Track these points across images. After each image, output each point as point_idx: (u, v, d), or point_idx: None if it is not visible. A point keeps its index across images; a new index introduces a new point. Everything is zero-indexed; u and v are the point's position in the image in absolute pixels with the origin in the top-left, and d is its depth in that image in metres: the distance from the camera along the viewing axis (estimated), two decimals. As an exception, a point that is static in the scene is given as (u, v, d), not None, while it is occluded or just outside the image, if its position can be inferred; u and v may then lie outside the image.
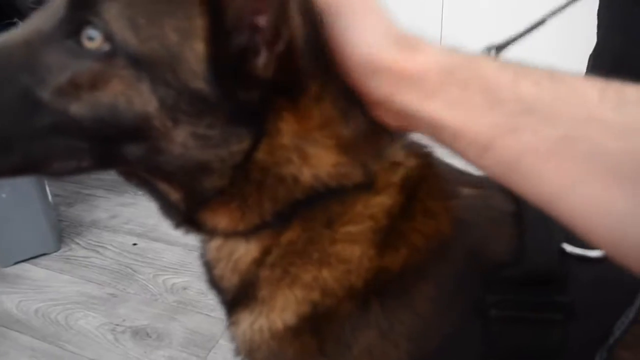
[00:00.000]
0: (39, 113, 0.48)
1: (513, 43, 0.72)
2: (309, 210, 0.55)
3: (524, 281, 0.55)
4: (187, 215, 0.57)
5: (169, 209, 0.59)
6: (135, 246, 1.96)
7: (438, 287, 0.55)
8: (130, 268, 1.85)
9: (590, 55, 1.77)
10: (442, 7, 3.18)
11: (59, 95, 0.48)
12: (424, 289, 0.55)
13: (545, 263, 0.55)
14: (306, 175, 0.53)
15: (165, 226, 2.15)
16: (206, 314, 1.64)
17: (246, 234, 0.57)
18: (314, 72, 0.52)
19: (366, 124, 0.55)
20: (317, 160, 0.53)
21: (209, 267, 0.63)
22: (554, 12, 0.76)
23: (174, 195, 0.56)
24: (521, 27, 0.74)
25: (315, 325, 0.57)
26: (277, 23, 0.47)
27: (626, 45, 1.65)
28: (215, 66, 0.49)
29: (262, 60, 0.49)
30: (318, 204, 0.55)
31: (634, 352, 0.54)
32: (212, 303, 1.66)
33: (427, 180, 0.59)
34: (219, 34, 0.48)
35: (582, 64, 1.79)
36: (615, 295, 0.55)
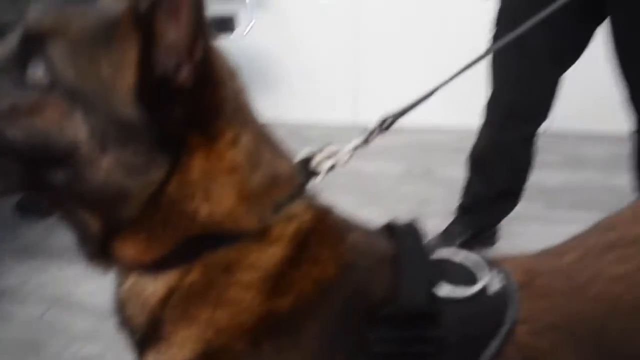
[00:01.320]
0: None
1: (403, 114, 0.80)
2: (210, 255, 0.61)
3: (402, 319, 0.61)
4: (102, 245, 0.62)
5: (86, 239, 0.63)
6: (45, 315, 1.88)
7: (324, 327, 0.60)
8: (39, 339, 1.77)
9: (486, 106, 1.92)
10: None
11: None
12: (312, 329, 0.60)
13: (421, 302, 0.61)
14: (204, 213, 0.59)
15: (77, 293, 2.08)
16: (122, 382, 1.58)
17: (152, 268, 0.62)
18: (231, 118, 0.60)
19: (272, 177, 0.63)
20: (217, 202, 0.60)
21: (120, 307, 0.66)
22: (442, 85, 0.85)
23: (94, 225, 0.61)
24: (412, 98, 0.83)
25: None
26: (194, 34, 0.55)
27: (514, 96, 1.82)
28: (143, 91, 0.56)
29: (184, 73, 0.56)
30: (218, 250, 0.61)
31: None
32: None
33: (318, 230, 0.65)
34: (147, 63, 0.57)
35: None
36: (482, 330, 0.62)
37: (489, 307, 0.63)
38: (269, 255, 0.62)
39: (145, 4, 0.56)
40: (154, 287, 0.63)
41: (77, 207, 0.61)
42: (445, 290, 0.63)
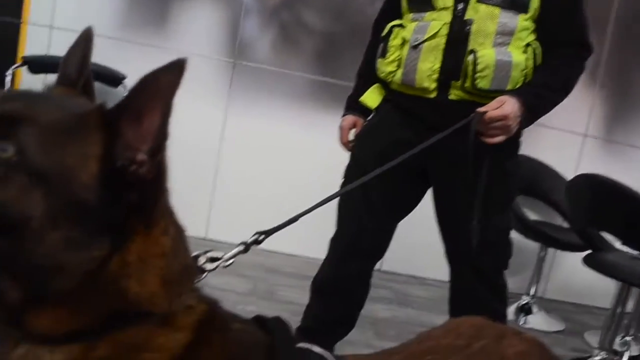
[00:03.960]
0: None
1: (276, 231, 0.97)
2: (119, 333, 0.65)
3: None
4: (14, 313, 0.63)
5: None
6: None
7: None
8: None
9: (331, 240, 2.14)
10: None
11: None
12: None
13: None
14: (134, 292, 0.65)
15: None
16: None
17: (58, 339, 0.64)
18: (164, 210, 0.69)
19: (185, 267, 0.72)
20: (145, 283, 0.66)
21: None
22: (305, 213, 1.05)
23: (13, 294, 0.62)
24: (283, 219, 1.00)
25: None
26: (161, 140, 0.63)
27: (355, 236, 2.08)
28: (104, 179, 0.62)
29: (145, 167, 0.63)
30: (127, 329, 0.66)
31: None
32: None
33: (211, 320, 0.74)
34: (110, 157, 0.63)
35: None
36: None
37: None
38: (176, 340, 0.68)
39: (112, 107, 0.64)
40: (51, 358, 0.64)
41: (1, 274, 0.61)
42: None
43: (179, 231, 0.73)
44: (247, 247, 0.91)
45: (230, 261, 0.86)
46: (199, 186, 3.55)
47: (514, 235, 2.01)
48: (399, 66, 1.86)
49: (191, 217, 2.83)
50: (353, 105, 2.09)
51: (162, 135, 0.64)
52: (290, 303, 2.49)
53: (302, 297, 2.21)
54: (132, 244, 0.65)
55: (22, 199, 0.59)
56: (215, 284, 2.84)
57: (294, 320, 2.18)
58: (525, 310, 3.35)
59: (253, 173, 3.54)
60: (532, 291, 3.42)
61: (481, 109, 1.72)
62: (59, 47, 3.08)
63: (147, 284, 0.66)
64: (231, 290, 2.87)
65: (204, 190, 3.58)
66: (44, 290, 0.63)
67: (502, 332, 0.99)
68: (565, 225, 3.37)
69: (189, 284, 0.74)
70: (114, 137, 0.63)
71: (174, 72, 0.61)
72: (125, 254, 0.65)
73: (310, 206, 1.07)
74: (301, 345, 0.81)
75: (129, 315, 0.66)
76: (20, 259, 0.61)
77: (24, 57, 3.08)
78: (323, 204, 1.09)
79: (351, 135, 2.08)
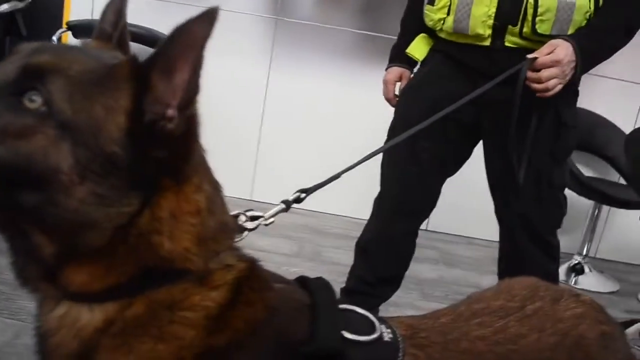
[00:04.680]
0: None
1: (317, 189, 0.94)
2: (154, 291, 0.66)
3: (316, 357, 0.71)
4: (51, 270, 0.64)
5: (31, 262, 0.65)
6: None
7: (253, 358, 0.68)
8: None
9: (375, 200, 2.10)
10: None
11: None
12: None
13: (331, 344, 0.72)
14: (166, 248, 0.65)
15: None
16: None
17: (93, 298, 0.65)
18: (197, 167, 0.67)
19: (222, 224, 0.71)
20: (177, 240, 0.65)
21: (45, 336, 0.68)
22: (347, 170, 1.01)
23: (47, 249, 0.63)
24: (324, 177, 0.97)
25: None
26: (192, 94, 0.62)
27: (401, 194, 2.02)
28: (132, 133, 0.62)
29: (174, 122, 0.62)
30: (162, 287, 0.66)
31: None
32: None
33: (251, 278, 0.73)
34: (138, 110, 0.62)
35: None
36: None
37: (384, 351, 0.75)
38: (212, 298, 0.68)
39: (144, 60, 0.63)
40: (91, 316, 0.65)
41: (35, 229, 0.63)
42: (352, 334, 0.74)
43: (215, 189, 0.72)
44: (288, 205, 0.88)
45: (271, 220, 0.85)
46: (243, 147, 3.56)
47: (567, 192, 1.91)
48: (449, 12, 1.74)
49: (236, 178, 2.86)
50: (398, 56, 1.99)
51: (192, 88, 0.62)
52: (336, 264, 2.48)
53: (348, 258, 2.19)
54: (163, 201, 0.65)
55: (50, 151, 0.59)
56: (261, 246, 2.89)
57: (340, 281, 2.17)
58: (577, 270, 3.25)
59: (297, 132, 3.52)
60: (584, 251, 3.32)
61: (531, 55, 1.62)
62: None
63: (179, 241, 0.66)
64: (276, 252, 2.89)
65: (249, 151, 3.58)
66: (75, 245, 0.63)
67: (557, 293, 0.94)
68: (622, 181, 3.24)
69: (227, 242, 0.72)
70: (144, 90, 0.63)
71: (205, 22, 0.59)
72: (155, 211, 0.65)
73: (352, 163, 1.03)
74: (344, 306, 0.79)
75: (164, 274, 0.66)
76: (51, 213, 0.61)
77: (68, 23, 3.15)
78: (367, 159, 1.05)
79: (397, 89, 2.00)
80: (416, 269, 2.33)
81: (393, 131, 1.93)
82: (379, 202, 2.07)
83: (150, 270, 0.65)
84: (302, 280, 0.81)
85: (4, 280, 2.06)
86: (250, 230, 0.81)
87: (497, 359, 0.82)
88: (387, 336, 0.76)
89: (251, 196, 3.54)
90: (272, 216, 0.85)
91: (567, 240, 2.88)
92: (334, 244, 3.07)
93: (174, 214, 0.65)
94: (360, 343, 0.74)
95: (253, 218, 0.82)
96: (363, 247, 2.11)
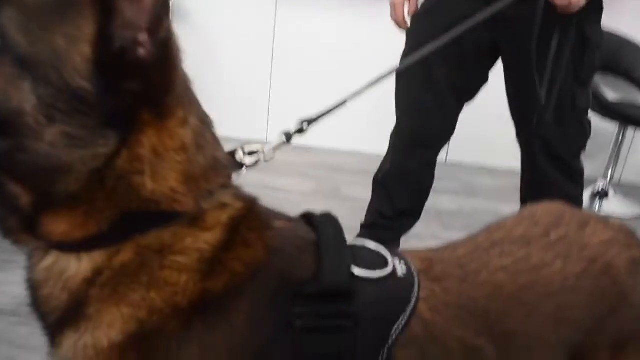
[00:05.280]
0: None
1: (320, 118, 0.88)
2: (142, 236, 0.61)
3: (322, 296, 0.66)
4: (28, 219, 0.60)
5: (10, 213, 0.61)
6: None
7: (253, 304, 0.64)
8: None
9: (392, 133, 2.05)
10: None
11: None
12: (242, 307, 0.63)
13: (338, 281, 0.67)
14: (149, 189, 0.60)
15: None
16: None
17: (78, 246, 0.61)
18: (181, 98, 0.61)
19: (213, 161, 0.65)
20: (162, 180, 0.60)
21: (34, 288, 0.65)
22: (353, 96, 0.94)
23: (23, 198, 0.59)
24: (328, 105, 0.91)
25: (141, 344, 0.61)
26: (160, 14, 0.55)
27: (417, 125, 1.96)
28: (100, 64, 0.55)
29: (145, 48, 0.56)
30: (150, 232, 0.62)
31: (408, 350, 0.69)
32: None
33: (248, 218, 0.68)
34: (104, 38, 0.55)
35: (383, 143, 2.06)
36: (392, 306, 0.69)
37: (398, 287, 0.71)
38: (205, 241, 0.63)
39: None
40: (78, 266, 0.62)
41: (8, 178, 0.59)
42: (361, 271, 0.69)
43: (203, 122, 0.66)
44: (289, 137, 0.83)
45: (272, 154, 0.78)
46: (255, 87, 3.50)
47: (590, 115, 1.83)
48: None
49: (250, 119, 2.80)
50: None
51: (161, 5, 0.55)
52: (356, 200, 2.45)
53: (367, 193, 2.16)
54: (143, 138, 0.59)
55: (10, 91, 0.54)
56: (279, 186, 2.87)
57: (359, 217, 2.14)
58: (601, 195, 3.18)
59: (308, 67, 3.45)
60: (608, 175, 3.23)
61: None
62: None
63: (164, 180, 0.61)
64: (295, 191, 2.87)
65: (261, 91, 3.52)
66: (51, 193, 0.58)
67: (584, 219, 0.89)
68: (648, 103, 3.11)
69: (221, 180, 0.67)
70: (109, 15, 0.55)
71: None
72: (135, 149, 0.59)
73: (362, 89, 0.96)
74: (353, 241, 0.75)
75: (151, 217, 0.61)
76: (21, 160, 0.56)
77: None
78: (376, 83, 0.97)
79: (405, 10, 1.89)
80: (436, 201, 2.30)
81: (405, 55, 1.85)
82: (395, 134, 2.01)
83: (135, 214, 0.61)
84: (307, 217, 0.76)
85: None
86: (249, 166, 0.75)
87: (519, 289, 0.78)
88: (401, 271, 0.72)
89: (267, 137, 3.50)
90: (273, 149, 0.79)
91: (591, 165, 2.81)
92: (352, 180, 3.04)
93: (156, 151, 0.60)
94: (371, 280, 0.69)
95: (252, 153, 0.77)
96: (381, 181, 2.07)
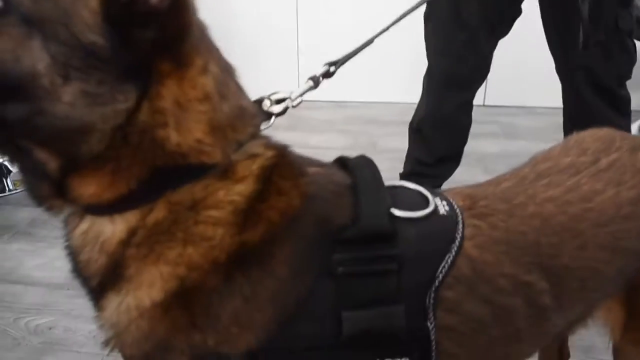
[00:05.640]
0: None
1: (347, 60, 0.84)
2: (173, 193, 0.60)
3: (362, 240, 0.64)
4: (58, 185, 0.60)
5: (39, 180, 0.60)
6: (-8, 291, 1.85)
7: (293, 253, 0.62)
8: (-15, 314, 1.74)
9: (424, 76, 1.98)
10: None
11: None
12: (281, 256, 0.62)
13: (378, 224, 0.65)
14: (174, 142, 0.58)
15: (24, 268, 2.04)
16: (76, 351, 1.58)
17: (110, 208, 0.60)
18: (199, 46, 0.59)
19: (238, 110, 0.63)
20: (187, 131, 0.59)
21: (73, 254, 0.65)
22: (381, 33, 0.89)
23: (50, 163, 0.58)
24: (353, 46, 0.86)
25: (183, 301, 0.61)
26: None
27: (450, 65, 1.89)
28: (109, 16, 0.53)
29: None
30: (181, 187, 0.60)
31: (455, 291, 0.66)
32: (81, 339, 1.61)
33: (280, 166, 0.66)
34: None
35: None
36: (437, 245, 0.67)
37: (441, 226, 0.68)
38: (238, 192, 0.62)
39: None
40: (113, 228, 0.61)
41: (32, 144, 0.58)
42: (401, 211, 0.66)
43: (226, 70, 0.64)
44: (316, 81, 0.79)
45: (299, 100, 0.76)
46: (282, 41, 3.45)
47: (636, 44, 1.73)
48: None
49: (280, 76, 2.76)
50: None
51: None
52: (394, 151, 2.40)
53: (405, 143, 2.12)
54: (163, 89, 0.57)
55: (21, 53, 0.52)
56: (315, 143, 2.84)
57: (399, 168, 2.11)
58: (650, 127, 3.05)
59: (336, 14, 3.36)
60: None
61: None
62: None
63: (189, 132, 0.59)
64: (332, 147, 2.85)
65: (289, 45, 3.47)
66: (76, 154, 0.57)
67: (637, 142, 0.83)
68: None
69: (249, 129, 0.65)
70: None
71: None
72: (156, 101, 0.57)
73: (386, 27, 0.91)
74: (391, 183, 0.72)
75: (181, 172, 0.60)
76: (42, 124, 0.54)
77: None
78: (401, 18, 0.92)
79: None
80: (477, 145, 2.24)
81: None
82: (428, 77, 1.95)
83: (164, 170, 0.59)
84: (341, 161, 0.73)
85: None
86: (278, 115, 0.73)
87: (570, 220, 0.74)
88: (443, 209, 0.69)
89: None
90: (300, 95, 0.76)
91: (637, 95, 2.68)
92: (389, 132, 2.98)
93: (178, 102, 0.58)
94: (412, 220, 0.67)
95: (279, 101, 0.74)
96: (417, 128, 2.03)
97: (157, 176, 0.59)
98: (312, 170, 0.69)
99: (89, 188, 0.59)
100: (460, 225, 0.68)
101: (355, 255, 0.63)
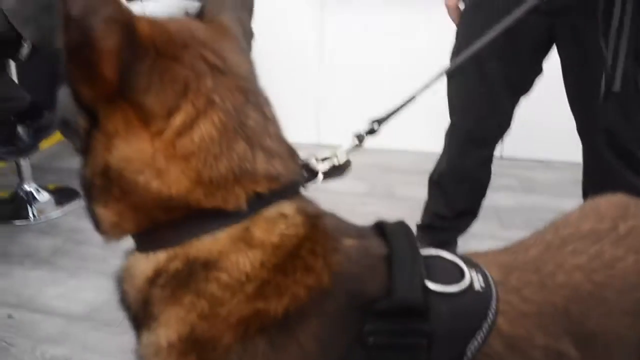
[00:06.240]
0: None
1: (390, 117, 0.87)
2: (191, 242, 0.63)
3: (395, 313, 0.63)
4: (91, 212, 0.66)
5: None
6: (11, 318, 1.87)
7: (321, 326, 0.62)
8: (5, 341, 1.76)
9: (446, 133, 2.01)
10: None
11: None
12: (309, 329, 0.61)
13: (411, 298, 0.64)
14: (154, 188, 0.62)
15: (44, 296, 2.07)
16: (89, 383, 1.59)
17: (140, 242, 0.66)
18: (183, 99, 0.62)
19: (249, 161, 0.63)
20: (172, 180, 0.62)
21: (118, 284, 0.69)
22: (423, 89, 0.93)
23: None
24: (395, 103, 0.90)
25: (199, 349, 0.61)
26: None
27: (473, 123, 1.92)
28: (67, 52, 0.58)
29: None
30: (200, 238, 0.63)
31: None
32: (95, 372, 1.62)
33: (311, 239, 0.65)
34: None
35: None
36: (468, 323, 0.66)
37: (475, 303, 0.67)
38: (252, 261, 0.62)
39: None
40: (145, 266, 0.65)
41: None
42: (436, 285, 0.66)
43: (239, 119, 0.64)
44: (361, 139, 0.82)
45: (345, 158, 0.78)
46: (303, 90, 3.50)
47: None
48: None
49: (300, 123, 2.79)
50: None
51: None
52: (411, 199, 2.42)
53: (422, 192, 2.14)
54: (113, 145, 0.62)
55: None
56: (332, 188, 2.83)
57: (415, 217, 2.13)
58: (668, 186, 3.05)
59: (358, 66, 3.41)
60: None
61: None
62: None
63: (176, 181, 0.61)
64: (349, 193, 2.86)
65: (309, 94, 3.53)
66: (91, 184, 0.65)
67: (650, 209, 0.86)
68: None
69: (271, 184, 0.64)
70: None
71: None
72: (117, 151, 0.62)
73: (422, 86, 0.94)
74: (428, 252, 0.72)
75: (192, 220, 0.63)
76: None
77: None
78: (438, 78, 0.95)
79: None
80: (493, 198, 2.25)
81: (457, 54, 1.82)
82: (450, 134, 1.99)
83: (176, 215, 0.62)
84: (379, 226, 0.73)
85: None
86: (327, 174, 0.74)
87: (596, 288, 0.75)
88: (479, 284, 0.69)
89: (318, 140, 3.51)
90: (347, 153, 0.78)
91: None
92: (406, 180, 3.01)
93: (141, 158, 0.62)
94: (446, 295, 0.66)
95: (324, 160, 0.76)
96: (437, 181, 2.05)
97: (174, 221, 0.63)
98: (347, 243, 0.67)
99: (108, 214, 0.64)
100: (494, 302, 0.68)
101: (387, 328, 0.63)
